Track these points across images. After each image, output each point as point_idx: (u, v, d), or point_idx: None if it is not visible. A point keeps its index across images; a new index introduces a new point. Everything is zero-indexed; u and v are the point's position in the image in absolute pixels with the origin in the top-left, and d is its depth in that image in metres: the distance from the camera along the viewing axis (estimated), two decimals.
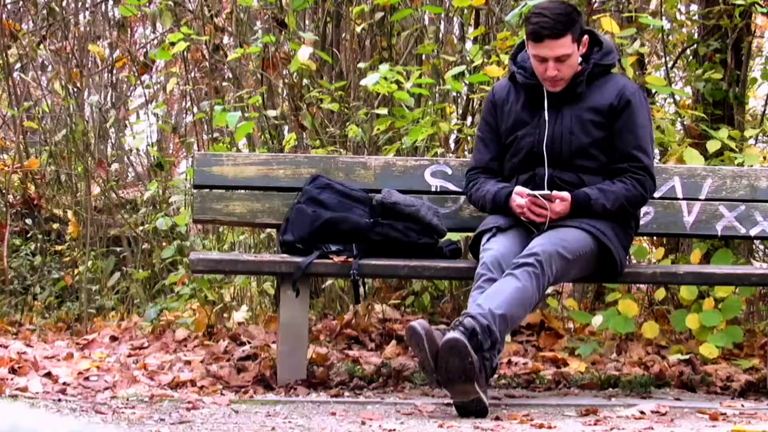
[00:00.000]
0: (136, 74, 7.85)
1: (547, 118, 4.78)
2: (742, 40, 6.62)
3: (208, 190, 5.23)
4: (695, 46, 6.85)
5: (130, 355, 5.59)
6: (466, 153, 6.46)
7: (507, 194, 4.76)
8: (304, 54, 5.95)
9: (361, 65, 6.59)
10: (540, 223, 4.70)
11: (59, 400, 4.57)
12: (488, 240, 4.71)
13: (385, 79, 5.75)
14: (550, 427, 4.17)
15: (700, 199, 5.24)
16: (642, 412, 4.47)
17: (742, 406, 4.74)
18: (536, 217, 4.69)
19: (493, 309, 4.36)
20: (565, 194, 4.67)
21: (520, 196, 4.71)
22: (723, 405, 4.73)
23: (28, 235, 7.90)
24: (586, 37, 4.80)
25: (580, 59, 4.82)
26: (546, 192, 4.68)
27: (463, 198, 5.20)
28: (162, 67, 8.35)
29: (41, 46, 8.10)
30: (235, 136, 6.24)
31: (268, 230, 6.36)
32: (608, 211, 4.70)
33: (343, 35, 7.36)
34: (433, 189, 5.24)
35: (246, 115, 6.39)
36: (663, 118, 6.08)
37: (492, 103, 4.94)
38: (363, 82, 5.95)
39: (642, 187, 4.76)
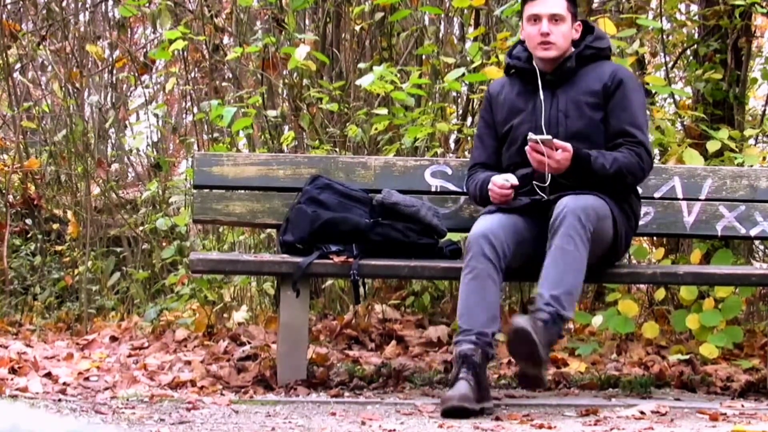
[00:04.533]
0: (136, 74, 7.86)
1: (542, 100, 4.79)
2: (741, 40, 6.62)
3: (208, 190, 5.23)
4: (695, 46, 6.85)
5: (130, 356, 5.59)
6: (466, 153, 6.46)
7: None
8: (301, 53, 5.96)
9: (361, 65, 6.60)
10: (540, 174, 4.66)
11: (59, 400, 4.57)
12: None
13: (382, 78, 5.75)
14: (550, 427, 4.17)
15: (700, 200, 5.24)
16: (642, 412, 4.48)
17: (742, 406, 4.74)
18: (503, 196, 4.70)
19: (555, 294, 4.44)
20: (567, 144, 4.62)
21: (496, 185, 4.72)
22: (723, 405, 4.73)
23: (28, 235, 7.91)
24: (579, 23, 4.87)
25: (572, 48, 4.85)
26: (547, 137, 4.61)
27: (463, 198, 5.20)
28: (162, 67, 8.36)
29: (41, 47, 8.10)
30: (232, 128, 6.24)
31: (268, 230, 6.36)
32: (607, 173, 4.66)
33: (343, 35, 7.36)
34: (433, 189, 5.24)
35: (244, 111, 6.39)
36: (663, 119, 6.08)
37: (488, 100, 4.99)
38: (358, 82, 5.95)
39: (638, 157, 4.72)
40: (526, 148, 4.63)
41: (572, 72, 4.82)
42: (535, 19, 4.80)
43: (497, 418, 4.34)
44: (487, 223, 4.63)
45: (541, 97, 4.80)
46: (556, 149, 4.61)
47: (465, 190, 5.09)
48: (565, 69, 4.82)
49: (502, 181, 4.72)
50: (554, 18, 4.78)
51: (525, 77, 4.88)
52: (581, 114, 4.78)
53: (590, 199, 4.60)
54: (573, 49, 4.85)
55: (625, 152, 4.73)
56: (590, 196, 4.61)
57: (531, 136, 4.62)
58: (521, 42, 4.95)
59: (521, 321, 4.35)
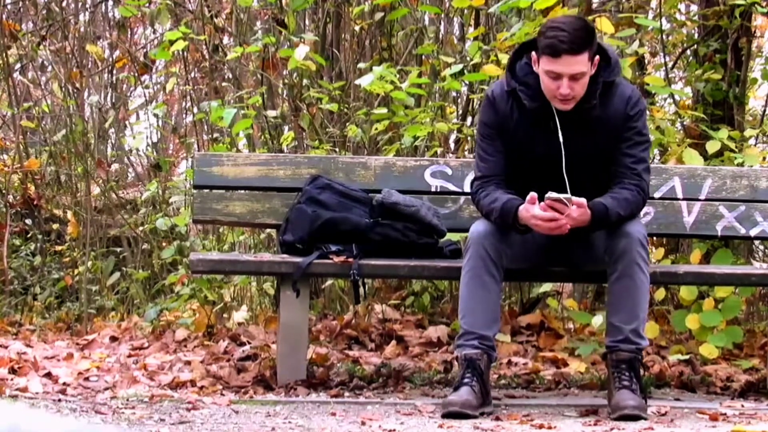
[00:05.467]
0: (136, 74, 7.86)
1: (563, 151, 4.57)
2: (741, 40, 6.62)
3: (208, 190, 5.23)
4: (695, 46, 6.85)
5: (130, 356, 5.59)
6: (466, 153, 6.45)
7: (518, 206, 4.51)
8: (300, 53, 5.96)
9: (361, 65, 6.60)
10: (559, 236, 4.53)
11: (59, 400, 4.57)
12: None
13: (382, 78, 5.75)
14: (550, 427, 4.18)
15: (700, 200, 5.23)
16: None
17: (742, 406, 4.74)
18: (553, 226, 4.47)
19: (633, 328, 4.52)
20: (582, 200, 4.47)
21: (532, 203, 4.47)
22: (723, 405, 4.73)
23: (28, 236, 7.90)
24: (597, 57, 4.53)
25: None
26: (566, 195, 4.44)
27: (463, 198, 5.18)
28: (162, 68, 8.36)
29: (41, 47, 8.10)
30: (232, 130, 6.24)
31: (268, 230, 6.36)
32: (622, 218, 4.56)
33: (343, 35, 7.36)
34: (433, 189, 5.23)
35: (244, 112, 6.40)
36: (663, 119, 6.08)
37: (493, 111, 4.65)
38: (358, 82, 5.95)
39: (642, 192, 4.64)
40: (541, 204, 4.46)
41: (593, 114, 4.59)
42: (556, 76, 4.46)
43: (497, 418, 4.34)
44: (486, 222, 4.62)
45: (562, 146, 4.56)
46: (573, 205, 4.46)
47: (473, 197, 4.77)
48: (588, 116, 4.57)
49: (548, 215, 4.48)
50: (575, 77, 4.46)
51: (538, 112, 4.58)
52: (606, 162, 4.63)
53: (638, 220, 4.68)
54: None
55: (631, 188, 4.60)
56: (635, 219, 4.64)
57: (550, 194, 4.44)
58: (525, 52, 4.61)
59: (629, 404, 4.40)
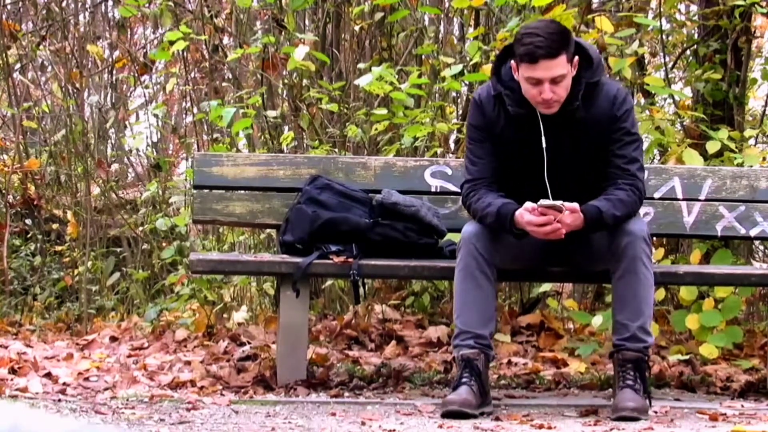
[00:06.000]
0: (136, 75, 7.86)
1: (545, 154, 4.56)
2: (741, 40, 6.62)
3: (208, 190, 5.23)
4: (695, 46, 6.85)
5: (130, 356, 5.59)
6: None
7: (514, 210, 4.51)
8: (300, 53, 5.96)
9: (361, 66, 6.60)
10: (556, 240, 4.52)
11: (59, 400, 4.57)
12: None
13: (382, 78, 5.75)
14: (550, 428, 4.18)
15: (700, 200, 5.23)
16: None
17: (742, 406, 4.74)
18: (547, 230, 4.48)
19: (640, 325, 4.51)
20: (575, 205, 4.47)
21: (529, 212, 4.48)
22: (723, 405, 4.73)
23: (28, 236, 7.91)
24: (576, 58, 4.52)
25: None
26: (557, 203, 4.45)
27: None
28: (162, 68, 8.36)
29: (41, 47, 8.11)
30: (232, 129, 6.25)
31: (268, 230, 6.36)
32: (618, 219, 4.54)
33: (343, 35, 7.36)
34: (433, 189, 5.23)
35: (243, 111, 6.40)
36: (662, 119, 6.08)
37: (481, 114, 4.65)
38: (357, 82, 5.94)
39: (638, 192, 4.62)
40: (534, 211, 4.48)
41: (577, 116, 4.58)
42: (536, 81, 4.45)
43: (497, 419, 4.35)
44: (476, 228, 4.61)
45: (544, 148, 4.56)
46: (565, 211, 4.46)
47: (462, 200, 4.75)
48: (573, 118, 4.56)
49: (542, 220, 4.48)
50: (555, 80, 4.45)
51: (524, 117, 4.58)
52: (594, 164, 4.62)
53: (641, 219, 4.70)
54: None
55: (625, 188, 4.58)
56: (636, 218, 4.65)
57: (542, 202, 4.45)
58: (509, 55, 4.56)
59: (629, 405, 4.39)
